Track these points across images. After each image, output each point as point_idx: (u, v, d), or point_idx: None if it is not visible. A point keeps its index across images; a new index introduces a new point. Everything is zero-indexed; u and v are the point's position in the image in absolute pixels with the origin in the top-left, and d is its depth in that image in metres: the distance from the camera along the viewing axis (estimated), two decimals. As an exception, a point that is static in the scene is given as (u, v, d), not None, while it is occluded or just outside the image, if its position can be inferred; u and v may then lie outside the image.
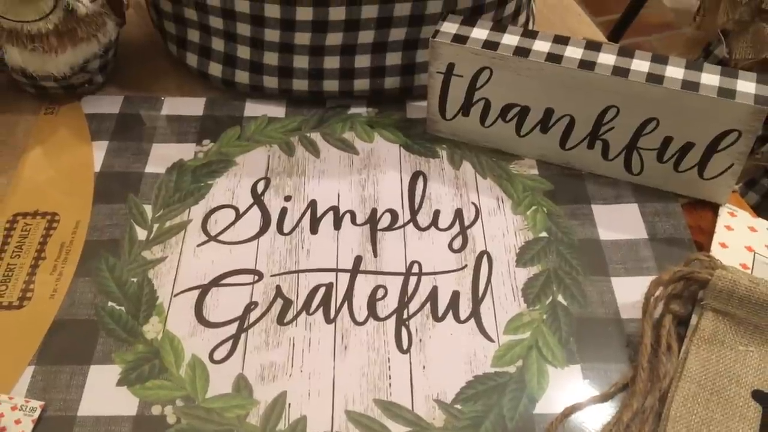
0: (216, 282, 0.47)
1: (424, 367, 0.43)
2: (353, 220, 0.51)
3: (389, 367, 0.43)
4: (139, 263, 0.48)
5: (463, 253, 0.49)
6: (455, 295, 0.47)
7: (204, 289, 0.47)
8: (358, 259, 0.49)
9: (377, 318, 0.46)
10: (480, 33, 0.51)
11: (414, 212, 0.52)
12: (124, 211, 0.51)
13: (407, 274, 0.48)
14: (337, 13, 0.53)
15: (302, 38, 0.54)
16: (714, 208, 0.52)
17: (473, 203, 0.52)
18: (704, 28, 0.88)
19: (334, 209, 0.52)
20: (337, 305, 0.46)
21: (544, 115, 0.52)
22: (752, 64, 0.78)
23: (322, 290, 0.47)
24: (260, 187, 0.53)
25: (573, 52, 0.50)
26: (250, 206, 0.52)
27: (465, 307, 0.46)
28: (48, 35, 0.53)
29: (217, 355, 0.44)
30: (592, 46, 0.50)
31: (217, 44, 0.57)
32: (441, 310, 0.46)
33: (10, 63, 0.55)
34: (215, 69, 0.58)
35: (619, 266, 0.49)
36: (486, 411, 0.41)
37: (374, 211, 0.52)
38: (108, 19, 0.56)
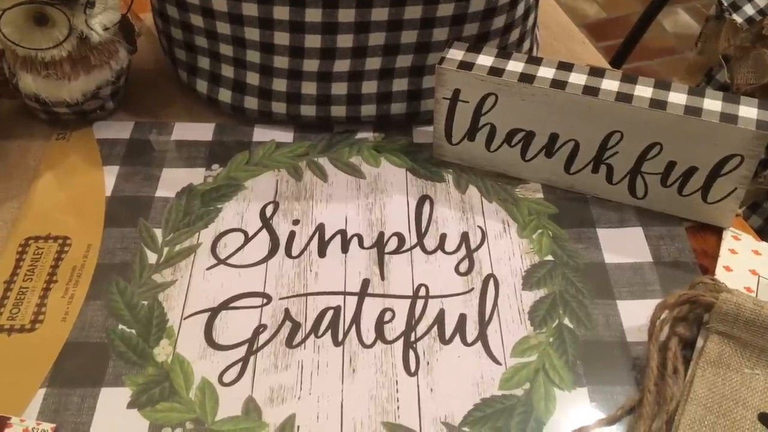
0: (225, 305, 0.48)
1: (431, 390, 0.44)
2: (361, 244, 0.52)
3: (397, 389, 0.44)
4: (149, 286, 0.49)
5: (469, 277, 0.50)
6: (462, 318, 0.47)
7: (213, 312, 0.47)
8: (366, 282, 0.49)
9: (385, 341, 0.46)
10: (485, 60, 0.52)
11: (421, 236, 0.52)
12: (135, 234, 0.52)
13: (414, 297, 0.48)
14: (345, 41, 0.54)
15: (311, 65, 0.55)
16: (718, 232, 0.53)
17: (479, 227, 0.53)
18: (706, 54, 0.89)
19: (342, 233, 0.52)
20: (345, 328, 0.47)
21: (549, 140, 0.53)
22: (754, 89, 0.78)
23: (330, 313, 0.47)
24: (269, 211, 0.54)
25: (577, 79, 0.51)
26: (259, 230, 0.52)
27: (472, 330, 0.47)
28: (62, 62, 0.54)
29: (227, 378, 0.44)
30: (596, 72, 0.51)
31: (227, 71, 0.58)
32: (448, 333, 0.46)
33: (24, 89, 0.56)
34: (225, 95, 0.59)
35: (625, 289, 0.49)
36: (494, 434, 0.42)
37: (381, 234, 0.52)
38: (120, 47, 0.57)
